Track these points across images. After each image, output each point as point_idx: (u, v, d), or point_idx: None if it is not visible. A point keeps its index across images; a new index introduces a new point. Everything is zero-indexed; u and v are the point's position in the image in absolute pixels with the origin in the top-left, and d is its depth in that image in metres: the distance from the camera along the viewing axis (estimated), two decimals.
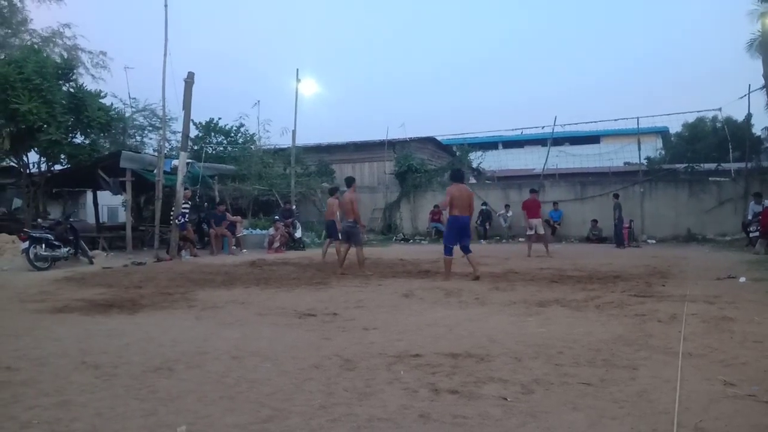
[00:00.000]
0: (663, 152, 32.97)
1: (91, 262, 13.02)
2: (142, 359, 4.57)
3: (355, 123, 76.14)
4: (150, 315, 6.65)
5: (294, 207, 19.94)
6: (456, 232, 9.88)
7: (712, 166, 21.99)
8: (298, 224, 18.89)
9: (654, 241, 20.04)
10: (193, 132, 23.37)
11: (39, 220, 14.51)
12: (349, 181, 11.43)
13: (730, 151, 21.34)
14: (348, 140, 27.12)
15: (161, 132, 19.18)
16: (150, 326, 5.94)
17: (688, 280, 9.31)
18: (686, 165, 22.73)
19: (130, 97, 24.49)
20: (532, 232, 15.02)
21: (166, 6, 15.19)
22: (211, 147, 24.15)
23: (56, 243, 12.23)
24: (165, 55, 15.13)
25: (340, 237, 12.98)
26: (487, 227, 22.62)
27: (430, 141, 28.38)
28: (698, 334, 5.20)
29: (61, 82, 17.02)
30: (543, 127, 24.91)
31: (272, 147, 25.54)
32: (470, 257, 9.89)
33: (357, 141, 26.87)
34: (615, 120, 24.11)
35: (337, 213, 12.95)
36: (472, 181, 26.12)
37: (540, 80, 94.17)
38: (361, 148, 26.57)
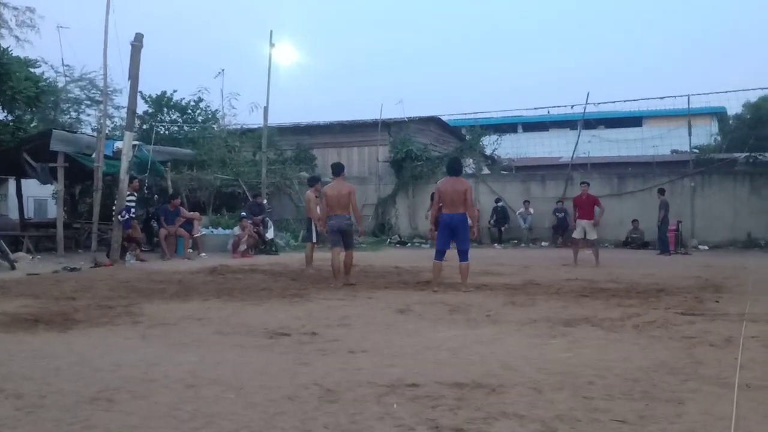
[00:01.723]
0: (719, 138, 33.06)
1: (13, 267, 12.95)
2: (76, 387, 4.55)
3: (342, 100, 76.52)
4: (85, 333, 6.61)
5: (265, 201, 19.94)
6: (447, 233, 10.01)
7: None
8: (270, 223, 18.86)
9: (706, 247, 20.15)
10: (142, 107, 23.30)
11: None
12: (338, 168, 11.39)
13: None
14: (333, 120, 27.14)
15: (101, 107, 19.14)
16: (85, 347, 5.90)
17: (747, 295, 9.35)
18: (747, 154, 22.84)
19: (63, 64, 24.38)
20: (580, 236, 14.93)
21: None
22: (164, 126, 24.06)
23: None
24: (107, 11, 15.09)
25: (314, 239, 13.08)
26: (503, 229, 22.67)
27: (434, 122, 28.43)
28: (759, 362, 5.22)
29: None
30: (572, 106, 24.97)
31: (239, 127, 25.51)
32: (462, 266, 10.03)
33: (344, 121, 26.87)
34: (661, 98, 24.16)
35: (317, 208, 12.94)
36: (486, 171, 26.18)
37: (571, 49, 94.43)
38: (348, 130, 26.57)
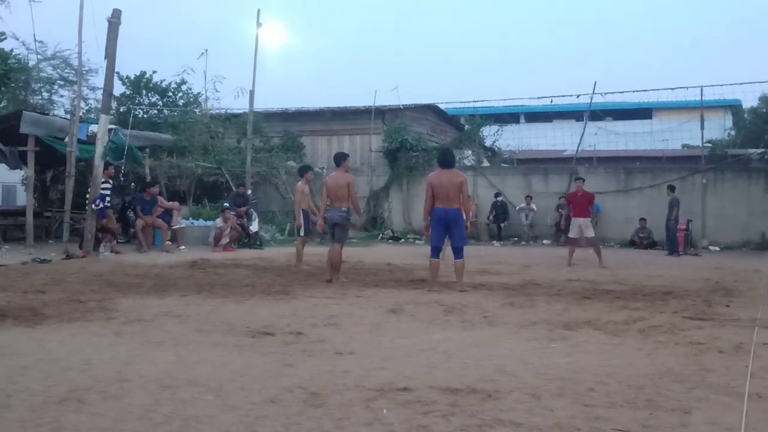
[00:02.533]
0: (733, 133, 33.19)
1: None
2: (44, 386, 4.55)
3: (334, 85, 76.07)
4: (55, 329, 6.60)
5: (250, 192, 19.89)
6: (441, 229, 10.03)
7: None
8: (255, 214, 18.81)
9: (718, 248, 20.21)
10: (119, 89, 23.18)
11: None
12: (340, 158, 11.48)
13: None
14: (323, 106, 27.09)
15: (76, 88, 19.02)
16: (55, 343, 5.90)
17: (760, 299, 9.40)
18: (763, 150, 22.91)
19: (35, 41, 24.19)
20: (576, 235, 14.93)
21: None
22: (143, 109, 23.94)
23: None
24: None
25: (301, 233, 13.11)
26: (502, 225, 22.68)
27: (431, 110, 28.40)
28: None
29: None
30: (578, 96, 25.01)
31: (223, 112, 25.43)
32: (458, 264, 10.07)
33: (335, 107, 26.81)
34: (672, 89, 24.14)
35: (306, 201, 13.08)
36: (485, 164, 26.19)
37: (577, 35, 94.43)
38: (340, 117, 26.52)
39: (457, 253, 10.07)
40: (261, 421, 3.93)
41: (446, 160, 10.47)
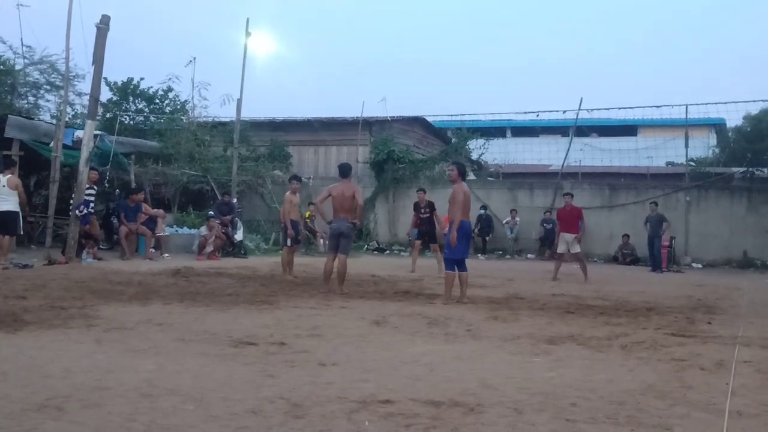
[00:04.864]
0: (717, 151, 33.48)
1: None
2: (23, 393, 4.51)
3: (322, 95, 76.26)
4: (36, 335, 6.55)
5: (235, 200, 19.87)
6: (468, 241, 10.25)
7: None
8: (240, 223, 18.79)
9: (700, 266, 20.37)
10: (106, 95, 23.13)
11: None
12: (346, 170, 11.72)
13: None
14: (311, 116, 27.15)
15: (62, 93, 18.94)
16: (35, 350, 5.86)
17: (741, 317, 9.47)
18: (746, 169, 23.14)
19: (23, 45, 24.09)
20: (564, 251, 15.01)
21: None
22: (129, 116, 23.87)
23: None
24: None
25: (289, 243, 13.14)
26: (487, 239, 22.75)
27: (418, 122, 28.50)
28: (751, 388, 5.28)
29: None
30: (564, 112, 25.13)
31: (210, 120, 25.41)
32: (462, 276, 10.15)
33: (323, 117, 26.87)
34: (657, 107, 24.42)
35: (295, 210, 13.16)
36: (471, 177, 26.28)
37: (564, 52, 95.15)
38: (327, 127, 26.59)
39: (463, 265, 10.25)
40: None
41: (463, 172, 10.73)
